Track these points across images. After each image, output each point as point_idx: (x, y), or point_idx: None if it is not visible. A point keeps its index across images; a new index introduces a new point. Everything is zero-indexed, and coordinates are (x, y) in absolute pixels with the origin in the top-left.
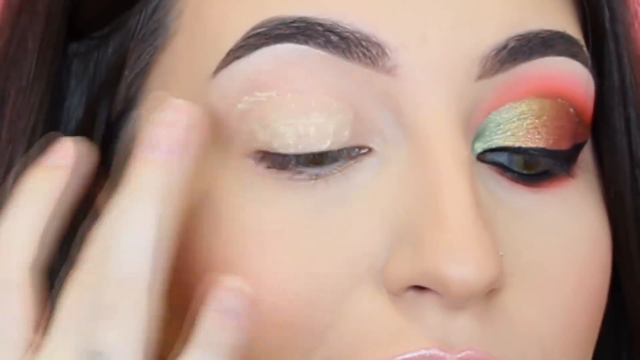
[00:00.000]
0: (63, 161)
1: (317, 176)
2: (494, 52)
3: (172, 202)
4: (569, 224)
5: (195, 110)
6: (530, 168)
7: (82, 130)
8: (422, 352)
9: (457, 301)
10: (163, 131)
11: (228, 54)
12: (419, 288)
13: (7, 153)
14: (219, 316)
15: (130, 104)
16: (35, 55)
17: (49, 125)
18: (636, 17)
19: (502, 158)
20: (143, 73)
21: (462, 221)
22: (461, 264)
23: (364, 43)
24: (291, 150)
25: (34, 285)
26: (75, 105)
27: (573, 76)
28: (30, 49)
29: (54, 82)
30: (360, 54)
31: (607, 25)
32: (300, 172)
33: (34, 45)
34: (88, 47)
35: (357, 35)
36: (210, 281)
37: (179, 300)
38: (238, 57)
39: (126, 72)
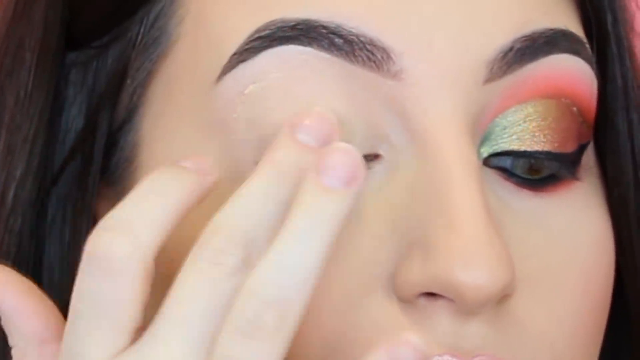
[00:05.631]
0: (199, 166)
1: None
2: (500, 55)
3: (337, 233)
4: (575, 227)
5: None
6: (536, 172)
7: (83, 140)
8: (435, 358)
9: (470, 307)
10: (342, 159)
11: (232, 58)
12: (430, 294)
13: (6, 164)
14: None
15: (132, 112)
16: (32, 66)
17: (49, 136)
18: (634, 20)
19: (507, 162)
20: (145, 81)
21: (474, 226)
22: (475, 269)
23: (368, 47)
24: None
25: (148, 273)
26: (74, 115)
27: (576, 73)
28: (28, 59)
29: (53, 93)
30: (365, 58)
31: (610, 28)
32: None
33: (31, 56)
34: (87, 56)
35: (362, 38)
36: None
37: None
38: (243, 61)
39: (128, 81)
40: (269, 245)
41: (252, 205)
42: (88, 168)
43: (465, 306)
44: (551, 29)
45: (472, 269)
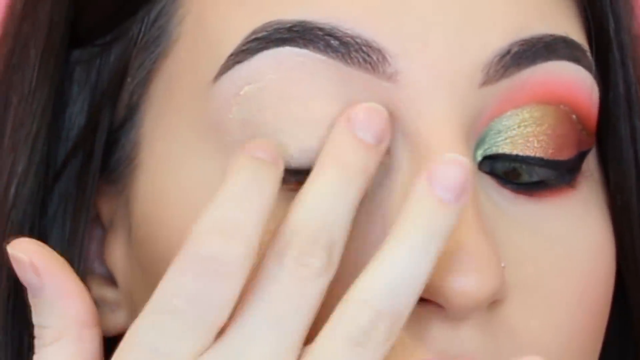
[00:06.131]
0: (273, 155)
1: None
2: (497, 58)
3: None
4: (571, 234)
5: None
6: (527, 177)
7: (85, 137)
8: None
9: (458, 313)
10: (456, 171)
11: (228, 59)
12: (420, 300)
13: (9, 160)
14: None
15: (132, 111)
16: (37, 63)
17: (52, 133)
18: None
19: (501, 167)
20: (145, 80)
21: (464, 232)
22: (462, 275)
23: (364, 48)
24: (293, 164)
25: (246, 274)
26: (77, 113)
27: (576, 81)
28: (32, 56)
29: (57, 90)
30: (361, 59)
31: (612, 34)
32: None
33: (36, 53)
34: (90, 54)
35: (358, 40)
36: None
37: None
38: (239, 62)
39: (129, 80)
40: (378, 254)
41: (328, 206)
42: (88, 165)
43: (454, 312)
44: (551, 35)
45: (459, 275)
